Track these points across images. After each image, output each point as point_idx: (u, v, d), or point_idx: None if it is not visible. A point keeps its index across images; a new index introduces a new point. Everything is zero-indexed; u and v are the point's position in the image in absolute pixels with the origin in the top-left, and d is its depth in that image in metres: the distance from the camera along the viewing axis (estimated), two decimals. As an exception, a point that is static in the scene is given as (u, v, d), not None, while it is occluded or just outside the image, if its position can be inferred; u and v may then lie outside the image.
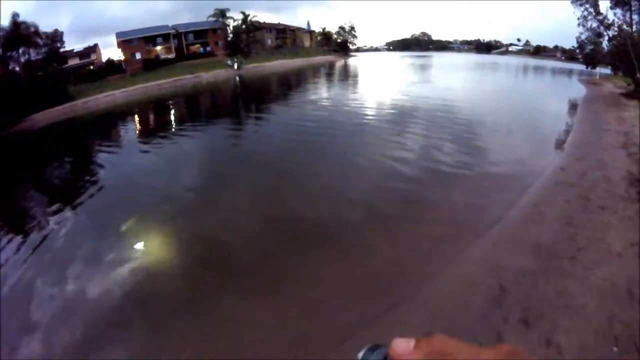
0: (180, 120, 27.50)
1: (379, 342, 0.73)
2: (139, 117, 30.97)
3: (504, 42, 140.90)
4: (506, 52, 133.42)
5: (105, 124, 29.80)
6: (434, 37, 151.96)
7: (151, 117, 31.19)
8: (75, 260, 8.54)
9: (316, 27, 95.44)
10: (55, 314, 6.92)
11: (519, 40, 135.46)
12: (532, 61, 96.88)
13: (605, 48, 40.85)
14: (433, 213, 9.33)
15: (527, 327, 4.93)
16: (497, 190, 10.45)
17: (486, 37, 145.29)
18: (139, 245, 8.94)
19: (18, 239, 10.21)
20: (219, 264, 7.77)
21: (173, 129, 23.52)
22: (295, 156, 14.78)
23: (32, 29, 40.98)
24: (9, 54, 39.95)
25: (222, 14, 63.88)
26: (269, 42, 76.44)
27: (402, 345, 0.67)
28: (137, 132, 25.19)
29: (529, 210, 8.75)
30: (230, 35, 65.71)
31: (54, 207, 12.00)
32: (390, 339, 0.66)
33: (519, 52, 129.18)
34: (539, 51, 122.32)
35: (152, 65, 52.72)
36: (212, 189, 12.12)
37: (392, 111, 21.99)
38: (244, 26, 67.34)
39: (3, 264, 8.83)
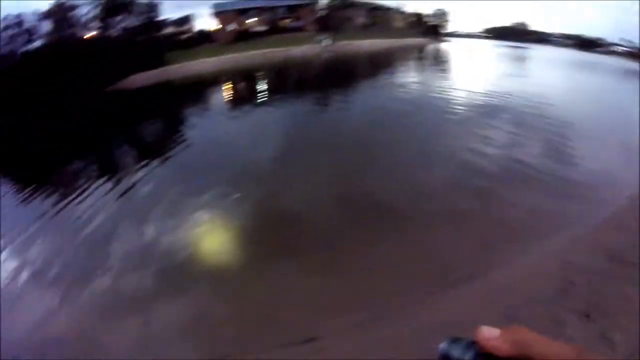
0: (267, 91, 27.54)
1: (459, 336, 0.83)
2: (228, 85, 31.67)
3: (608, 40, 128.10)
4: (610, 53, 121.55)
5: (196, 89, 30.93)
6: (532, 28, 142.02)
7: (240, 86, 31.69)
8: (154, 210, 9.23)
9: (409, 8, 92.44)
10: (128, 257, 7.56)
11: (624, 40, 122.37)
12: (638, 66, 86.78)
13: None
14: (509, 211, 8.79)
15: (588, 320, 5.10)
16: (582, 197, 9.68)
17: (589, 33, 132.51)
18: (214, 206, 9.24)
19: (108, 185, 11.32)
20: (285, 230, 7.97)
21: (260, 99, 23.66)
22: (375, 137, 14.21)
23: None
24: (109, 20, 42.60)
25: (315, -11, 63.37)
26: (360, 20, 75.02)
27: (488, 332, 0.78)
28: (226, 99, 25.82)
29: (612, 218, 8.42)
30: (322, 12, 65.09)
31: (144, 160, 13.00)
32: (475, 328, 0.77)
33: (623, 54, 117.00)
34: None
35: (244, 37, 53.36)
36: (290, 159, 12.16)
37: (481, 103, 20.20)
38: (335, 2, 66.47)
39: (93, 204, 10.01)
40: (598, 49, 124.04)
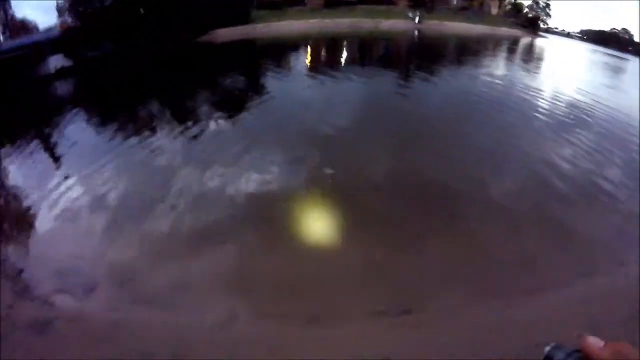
0: (349, 61, 26.99)
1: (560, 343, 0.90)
2: (311, 50, 31.51)
3: None
4: None
5: (279, 50, 30.87)
6: (637, 39, 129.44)
7: (323, 53, 31.44)
8: (217, 159, 9.78)
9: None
10: (189, 197, 8.07)
11: None
12: None
13: None
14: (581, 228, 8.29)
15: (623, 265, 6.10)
16: None
17: None
18: (276, 165, 9.52)
19: (180, 129, 12.03)
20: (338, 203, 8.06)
21: (340, 69, 23.19)
22: (449, 128, 13.84)
23: None
24: None
25: (412, -37, 61.07)
26: (455, 1, 71.88)
27: (593, 342, 0.82)
28: (307, 64, 25.52)
29: None
30: (416, -12, 62.89)
31: (218, 112, 13.86)
32: (582, 338, 0.82)
33: None
34: None
35: (333, 4, 52.40)
36: (357, 134, 12.10)
37: (567, 112, 18.42)
38: (432, -20, 63.94)
39: (161, 147, 10.70)
40: None
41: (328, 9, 49.31)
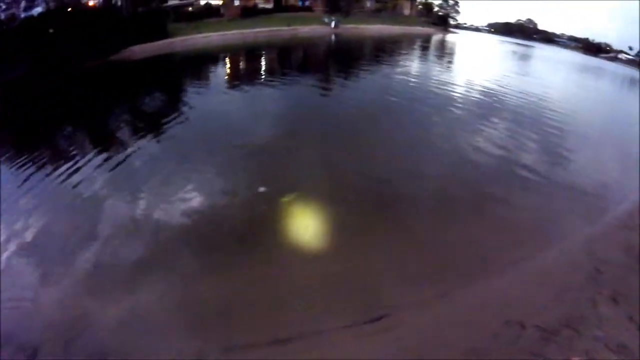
0: (270, 70, 27.24)
1: None
2: (231, 61, 31.41)
3: (615, 47, 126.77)
4: (615, 59, 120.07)
5: (199, 63, 30.52)
6: (540, 27, 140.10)
7: (243, 63, 31.47)
8: (144, 184, 9.43)
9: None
10: (119, 228, 7.62)
11: (630, 48, 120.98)
12: None
13: None
14: (515, 212, 9.16)
15: (616, 304, 5.88)
16: (594, 196, 10.36)
17: (596, 37, 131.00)
18: (203, 182, 9.46)
19: (102, 156, 11.22)
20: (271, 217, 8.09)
21: (262, 78, 23.43)
22: (372, 125, 14.52)
23: None
24: None
25: (324, -31, 62.33)
26: (369, 5, 74.04)
27: None
28: (227, 75, 25.49)
29: (626, 216, 9.29)
30: (331, -8, 64.23)
31: (138, 133, 13.29)
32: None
33: (628, 62, 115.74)
34: None
35: (250, 13, 52.52)
36: (284, 142, 12.12)
37: (481, 101, 20.18)
38: (345, -15, 65.54)
39: (87, 178, 9.93)
40: (603, 54, 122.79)
41: (245, 19, 49.35)
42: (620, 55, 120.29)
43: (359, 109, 16.33)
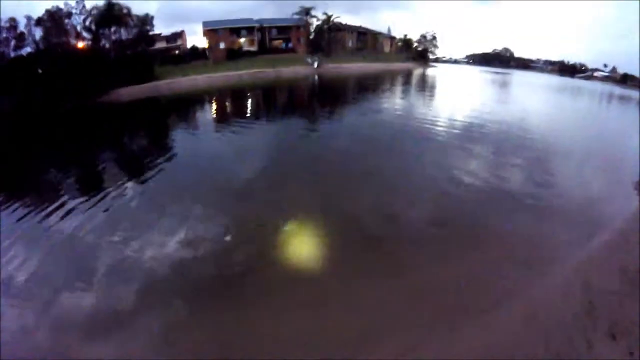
0: (256, 111, 27.69)
1: None
2: (217, 103, 31.96)
3: (590, 66, 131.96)
4: (591, 77, 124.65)
5: (185, 106, 30.93)
6: (516, 54, 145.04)
7: (229, 104, 31.98)
8: (133, 227, 9.25)
9: (397, 33, 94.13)
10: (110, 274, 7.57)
11: (605, 65, 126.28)
12: (618, 90, 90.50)
13: None
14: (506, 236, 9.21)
15: (614, 340, 5.46)
16: (587, 216, 10.40)
17: (571, 58, 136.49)
18: (192, 226, 9.22)
19: (92, 200, 10.98)
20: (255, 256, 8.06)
21: (248, 119, 23.69)
22: (358, 162, 14.55)
23: (125, 11, 43.48)
24: (101, 31, 42.57)
25: (306, 12, 64.36)
26: (350, 43, 76.15)
27: None
28: (214, 117, 25.84)
29: (620, 238, 9.02)
30: (313, 34, 66.09)
31: (127, 176, 13.22)
32: None
33: (604, 79, 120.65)
34: (625, 80, 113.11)
35: (235, 56, 54.02)
36: (271, 183, 12.14)
37: (464, 131, 20.56)
38: (326, 26, 67.51)
39: (80, 225, 9.57)
40: (579, 74, 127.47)
41: (230, 61, 50.54)
42: (596, 74, 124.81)
43: (343, 147, 16.43)
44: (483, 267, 7.71)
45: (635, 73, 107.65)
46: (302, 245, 8.55)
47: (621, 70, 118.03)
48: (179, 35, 57.76)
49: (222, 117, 25.36)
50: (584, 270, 7.47)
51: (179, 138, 18.81)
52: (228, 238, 8.66)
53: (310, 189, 11.69)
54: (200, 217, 9.73)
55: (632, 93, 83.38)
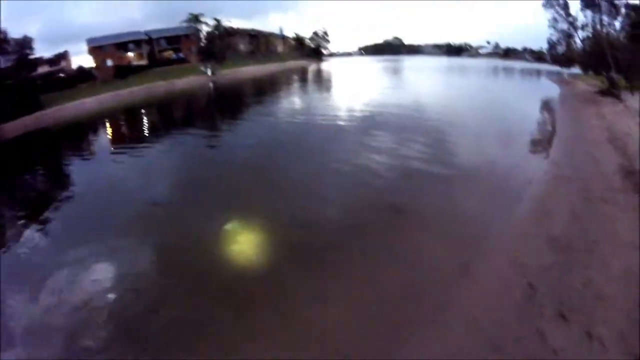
0: (153, 128, 27.02)
1: None
2: (110, 125, 30.38)
3: (474, 45, 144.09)
4: (476, 55, 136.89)
5: (77, 134, 28.82)
6: (406, 42, 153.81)
7: (123, 126, 30.69)
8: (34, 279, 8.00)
9: (289, 33, 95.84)
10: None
11: (488, 43, 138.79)
12: (502, 63, 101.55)
13: (577, 48, 42.62)
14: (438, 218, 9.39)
15: (566, 321, 5.13)
16: (499, 188, 10.91)
17: (456, 40, 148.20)
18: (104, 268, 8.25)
19: None
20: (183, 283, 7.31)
21: (145, 138, 23.09)
22: (265, 166, 14.62)
23: (1, 35, 39.31)
24: None
25: (195, 19, 63.36)
26: (243, 47, 76.34)
27: None
28: (109, 141, 24.61)
29: (537, 206, 9.12)
30: (204, 41, 65.37)
31: (24, 221, 11.65)
32: None
33: (488, 55, 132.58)
34: (508, 53, 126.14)
35: (124, 72, 52.17)
36: (182, 201, 11.80)
37: (365, 117, 22.43)
38: (217, 32, 67.04)
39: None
40: (465, 53, 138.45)
41: (120, 79, 48.96)
42: (481, 51, 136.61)
43: (247, 153, 16.43)
44: (409, 270, 7.18)
45: (517, 47, 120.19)
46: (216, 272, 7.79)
47: (503, 45, 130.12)
48: (63, 56, 53.97)
49: (117, 141, 24.12)
50: (514, 249, 7.17)
51: (76, 169, 17.49)
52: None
53: (222, 200, 11.53)
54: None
55: (515, 64, 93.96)
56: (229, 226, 9.60)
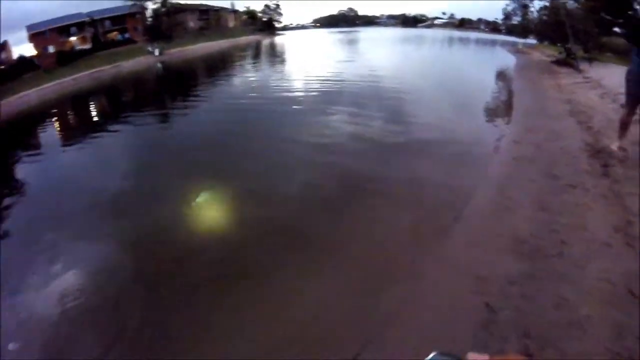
0: (103, 115, 26.43)
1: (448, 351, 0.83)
2: (58, 117, 28.81)
3: (429, 16, 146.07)
4: (432, 26, 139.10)
5: (22, 130, 26.98)
6: (361, 13, 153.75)
7: (71, 115, 29.61)
8: None
9: (241, 7, 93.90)
10: None
11: (444, 13, 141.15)
12: (457, 33, 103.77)
13: (533, 18, 43.87)
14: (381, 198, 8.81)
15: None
16: (455, 168, 10.04)
17: (412, 11, 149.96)
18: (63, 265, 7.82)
19: None
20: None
21: (97, 126, 22.20)
22: (228, 139, 14.73)
23: None
24: None
25: (140, -5, 61.19)
26: (192, 24, 74.34)
27: (476, 358, 0.75)
28: (59, 133, 23.63)
29: (496, 195, 7.88)
30: (150, 20, 63.29)
31: None
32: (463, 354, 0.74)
33: (444, 25, 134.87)
34: (463, 24, 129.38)
35: (68, 58, 50.12)
36: (140, 188, 11.44)
37: (323, 90, 22.48)
38: (164, 9, 64.97)
39: None
40: (420, 24, 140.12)
41: (64, 67, 47.13)
42: (436, 21, 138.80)
43: (205, 134, 16.20)
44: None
45: (473, 17, 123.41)
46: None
47: (459, 16, 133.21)
48: (2, 46, 50.56)
49: (67, 131, 23.52)
50: (470, 257, 5.86)
51: (25, 168, 16.26)
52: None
53: (189, 179, 11.21)
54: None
55: (470, 34, 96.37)
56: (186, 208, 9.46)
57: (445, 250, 6.28)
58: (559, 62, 31.09)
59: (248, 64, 44.86)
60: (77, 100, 34.21)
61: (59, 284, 7.13)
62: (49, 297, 6.75)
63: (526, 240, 5.95)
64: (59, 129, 25.56)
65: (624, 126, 8.71)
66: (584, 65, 25.71)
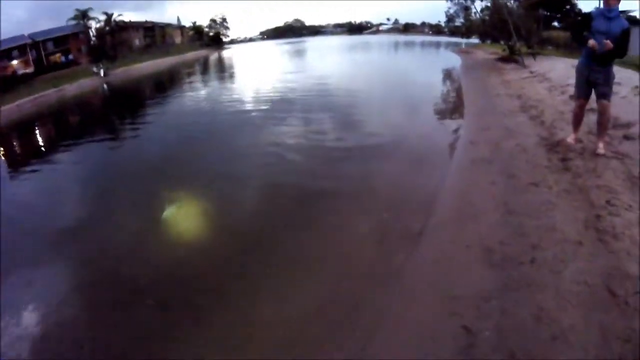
0: (49, 143, 25.68)
1: None
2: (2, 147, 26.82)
3: (374, 22, 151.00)
4: (377, 32, 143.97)
5: None
6: (307, 23, 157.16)
7: (15, 146, 27.80)
8: None
9: (187, 22, 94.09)
10: None
11: (388, 19, 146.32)
12: (403, 37, 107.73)
13: (475, 19, 46.61)
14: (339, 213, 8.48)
15: None
16: (412, 178, 9.85)
17: (357, 19, 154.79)
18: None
19: None
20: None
21: (42, 155, 21.23)
22: (180, 156, 14.97)
23: None
24: None
25: (83, 15, 60.49)
26: (137, 42, 74.08)
27: None
28: (4, 163, 21.80)
29: (458, 203, 7.63)
30: (94, 39, 62.70)
31: None
32: None
33: (389, 31, 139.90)
34: (407, 28, 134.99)
35: (9, 84, 48.33)
36: (90, 216, 10.78)
37: (273, 102, 23.30)
38: (107, 27, 64.50)
39: None
40: (366, 30, 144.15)
41: (5, 93, 44.77)
42: (381, 27, 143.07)
43: (156, 153, 16.09)
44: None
45: (416, 22, 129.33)
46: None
47: (403, 21, 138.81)
48: None
49: (11, 162, 21.77)
50: (442, 273, 5.53)
51: None
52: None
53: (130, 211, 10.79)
54: None
55: (415, 38, 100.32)
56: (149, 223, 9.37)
57: (412, 273, 5.82)
58: (503, 59, 33.29)
59: (196, 81, 45.54)
60: (21, 128, 33.00)
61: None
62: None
63: (496, 249, 5.60)
64: (4, 158, 23.99)
65: (577, 118, 8.76)
66: (528, 61, 27.48)
